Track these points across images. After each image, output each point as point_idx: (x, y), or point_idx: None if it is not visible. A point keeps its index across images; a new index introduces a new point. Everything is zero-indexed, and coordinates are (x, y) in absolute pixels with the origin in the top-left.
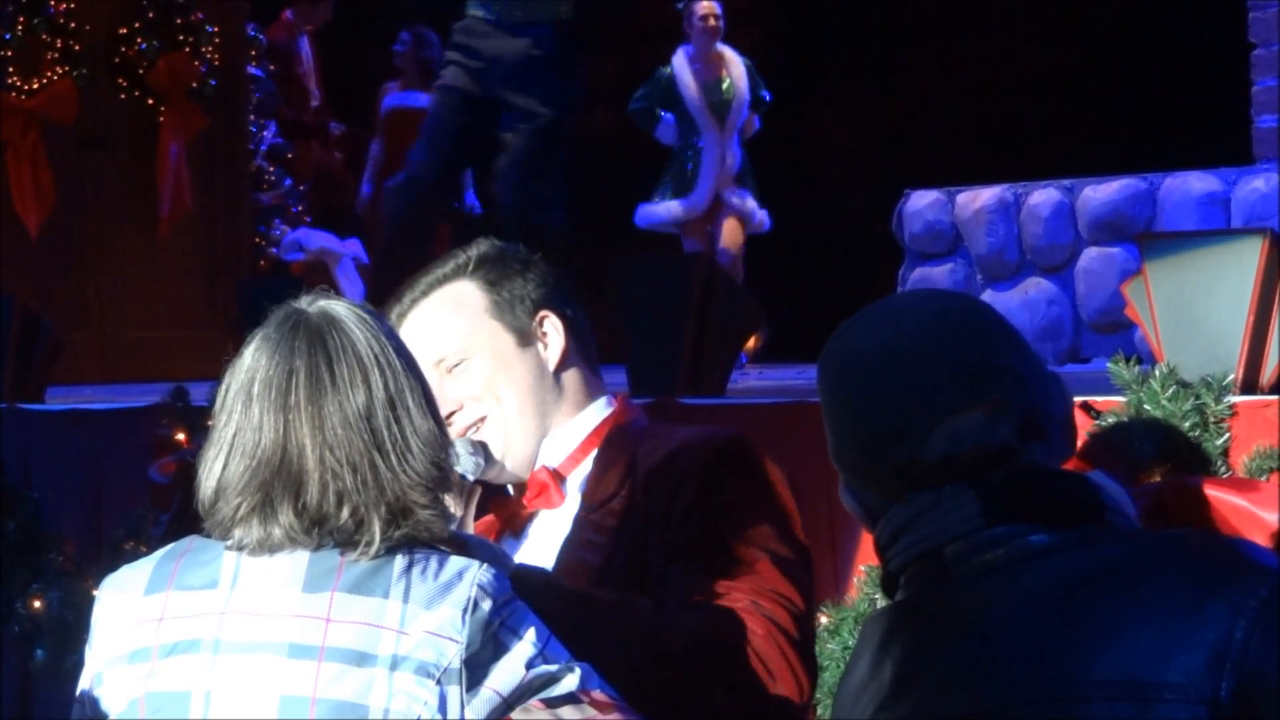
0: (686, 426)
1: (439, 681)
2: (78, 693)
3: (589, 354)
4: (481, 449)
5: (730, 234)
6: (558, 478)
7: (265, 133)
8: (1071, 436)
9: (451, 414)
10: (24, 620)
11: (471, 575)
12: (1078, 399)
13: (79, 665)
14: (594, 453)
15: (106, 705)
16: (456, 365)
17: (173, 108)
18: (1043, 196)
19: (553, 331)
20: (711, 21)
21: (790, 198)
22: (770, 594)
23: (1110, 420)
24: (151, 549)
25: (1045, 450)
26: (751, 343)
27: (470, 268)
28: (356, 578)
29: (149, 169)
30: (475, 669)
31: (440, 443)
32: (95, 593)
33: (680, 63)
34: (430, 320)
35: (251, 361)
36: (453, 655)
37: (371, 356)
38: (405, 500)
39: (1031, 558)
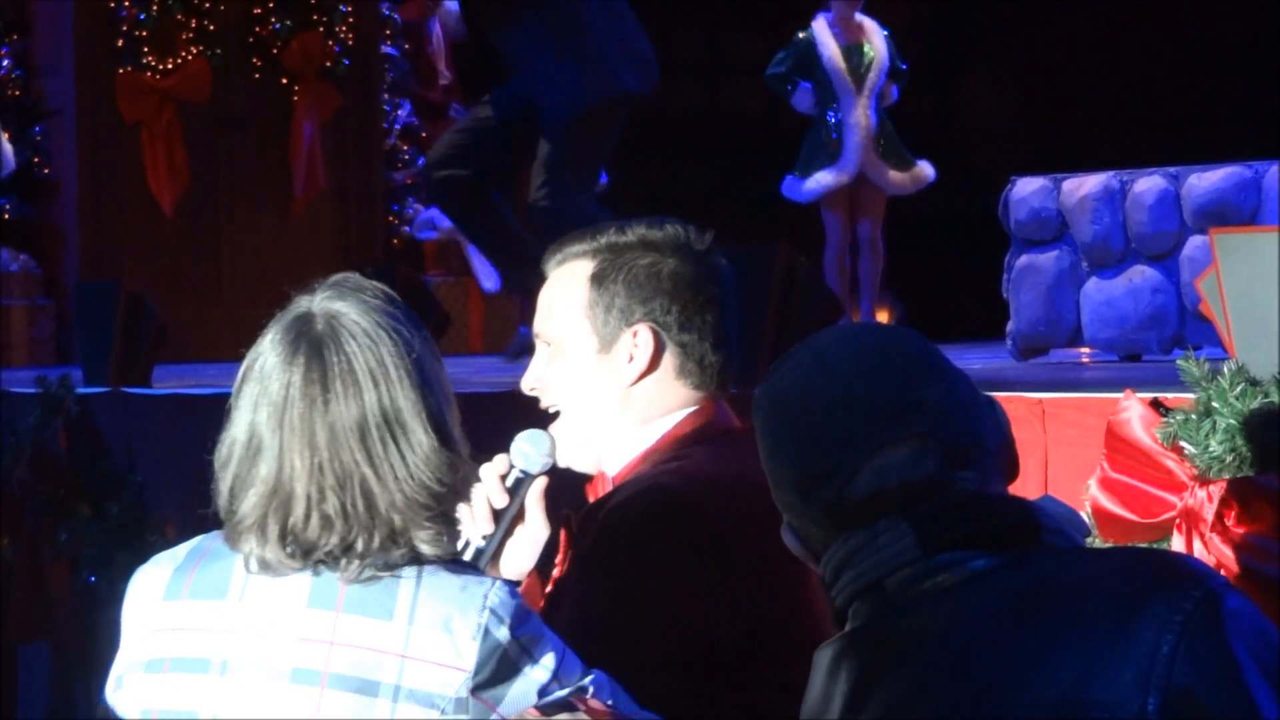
0: (680, 464)
1: (443, 711)
2: (104, 691)
3: (690, 366)
4: (553, 445)
5: (872, 210)
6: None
7: (399, 112)
8: (1010, 461)
9: (533, 389)
10: None
11: (483, 598)
12: (1149, 395)
13: None
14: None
15: (123, 710)
16: (548, 345)
17: (306, 87)
18: (1148, 184)
19: (641, 347)
20: None
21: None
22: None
23: (1179, 418)
24: None
25: (976, 479)
26: (885, 319)
27: (594, 251)
28: (361, 597)
29: (283, 148)
30: (484, 695)
31: (442, 461)
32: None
33: (821, 26)
34: (546, 293)
35: (259, 365)
36: (459, 684)
37: (367, 369)
38: (403, 520)
39: (969, 582)
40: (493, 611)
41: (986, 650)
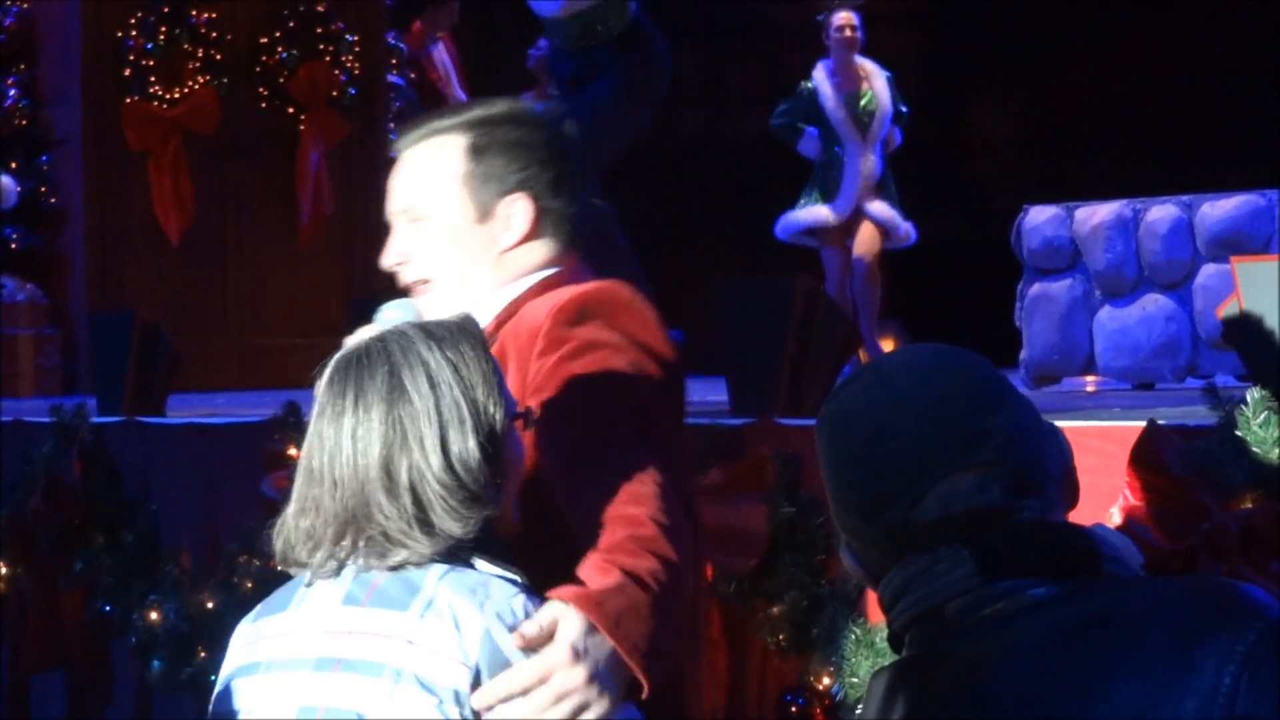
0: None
1: (441, 700)
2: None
3: (564, 242)
4: (419, 314)
5: (867, 242)
6: None
7: None
8: (1071, 489)
9: (399, 264)
10: (141, 631)
11: (495, 603)
12: (1170, 423)
13: (195, 676)
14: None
15: None
16: (417, 219)
17: (313, 116)
18: (1161, 212)
19: (518, 216)
20: (848, 32)
21: (925, 207)
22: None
23: (1202, 445)
24: (263, 563)
25: (1040, 507)
26: (889, 348)
27: (468, 126)
28: (388, 592)
29: (289, 177)
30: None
31: (477, 467)
32: None
33: (821, 76)
34: (410, 167)
35: (318, 393)
36: (458, 678)
37: (422, 377)
38: (429, 516)
39: (1030, 610)
40: (498, 617)
41: (1046, 679)
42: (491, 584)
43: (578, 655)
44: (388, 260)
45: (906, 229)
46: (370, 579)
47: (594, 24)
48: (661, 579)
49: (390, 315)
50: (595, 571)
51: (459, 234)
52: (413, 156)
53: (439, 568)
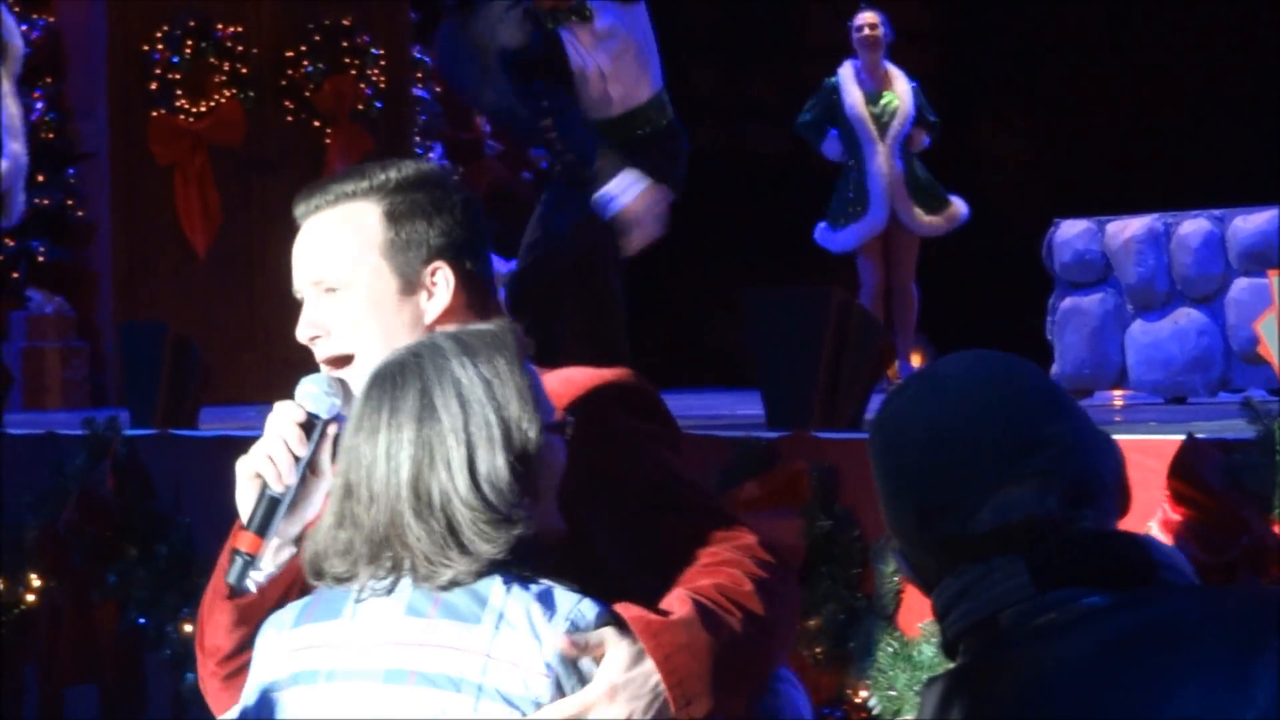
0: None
1: (523, 713)
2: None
3: (483, 305)
4: (340, 389)
5: (903, 254)
6: None
7: (431, 154)
8: (1125, 498)
9: (315, 338)
10: (175, 644)
11: (565, 611)
12: (1209, 436)
13: None
14: None
15: None
16: (332, 290)
17: (338, 130)
18: (1193, 226)
19: (442, 285)
20: (868, 31)
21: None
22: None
23: (1241, 459)
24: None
25: (1096, 516)
26: (917, 362)
27: (381, 191)
28: (455, 605)
29: None
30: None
31: (507, 487)
32: None
33: (846, 72)
34: (322, 235)
35: (356, 404)
36: (540, 689)
37: (453, 396)
38: (461, 537)
39: (1085, 619)
40: (571, 623)
41: (1103, 688)
42: (556, 592)
43: (615, 692)
44: (302, 334)
45: (956, 208)
46: (431, 590)
47: (640, 121)
48: (738, 632)
49: (309, 390)
50: (673, 601)
51: (382, 306)
52: (323, 224)
53: (499, 578)
